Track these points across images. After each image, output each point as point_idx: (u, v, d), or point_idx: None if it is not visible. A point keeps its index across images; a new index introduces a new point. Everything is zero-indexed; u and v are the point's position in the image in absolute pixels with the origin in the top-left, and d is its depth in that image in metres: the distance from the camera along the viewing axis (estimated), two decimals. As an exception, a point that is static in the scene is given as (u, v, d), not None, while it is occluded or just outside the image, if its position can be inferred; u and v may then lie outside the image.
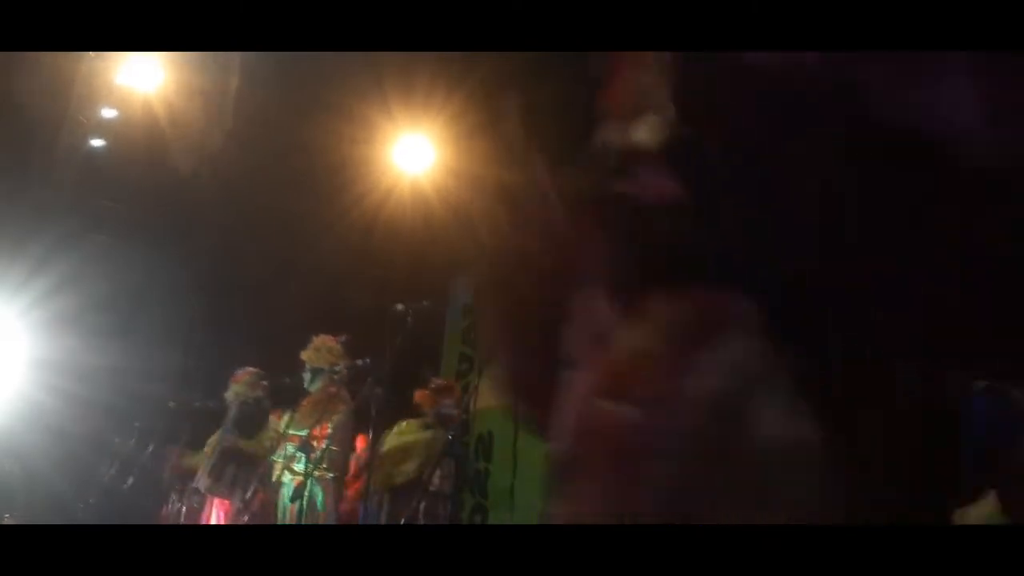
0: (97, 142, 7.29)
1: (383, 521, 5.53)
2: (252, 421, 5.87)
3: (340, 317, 6.42)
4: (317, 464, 4.97)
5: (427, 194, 7.77)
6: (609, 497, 1.03)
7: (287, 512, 5.03)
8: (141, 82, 6.76)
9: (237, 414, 5.90)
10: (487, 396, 8.20)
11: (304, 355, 5.47)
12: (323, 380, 5.35)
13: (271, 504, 5.48)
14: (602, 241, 1.09)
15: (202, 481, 5.73)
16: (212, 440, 6.10)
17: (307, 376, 5.46)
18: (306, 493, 4.93)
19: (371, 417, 4.86)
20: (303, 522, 4.92)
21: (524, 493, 6.76)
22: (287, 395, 5.72)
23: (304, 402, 5.33)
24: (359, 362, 5.08)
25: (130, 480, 6.47)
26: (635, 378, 0.99)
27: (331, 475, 5.16)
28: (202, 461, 5.96)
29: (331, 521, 5.04)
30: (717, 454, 0.94)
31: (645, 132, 0.99)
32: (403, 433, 5.84)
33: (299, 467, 5.02)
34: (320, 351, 5.40)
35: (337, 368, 5.25)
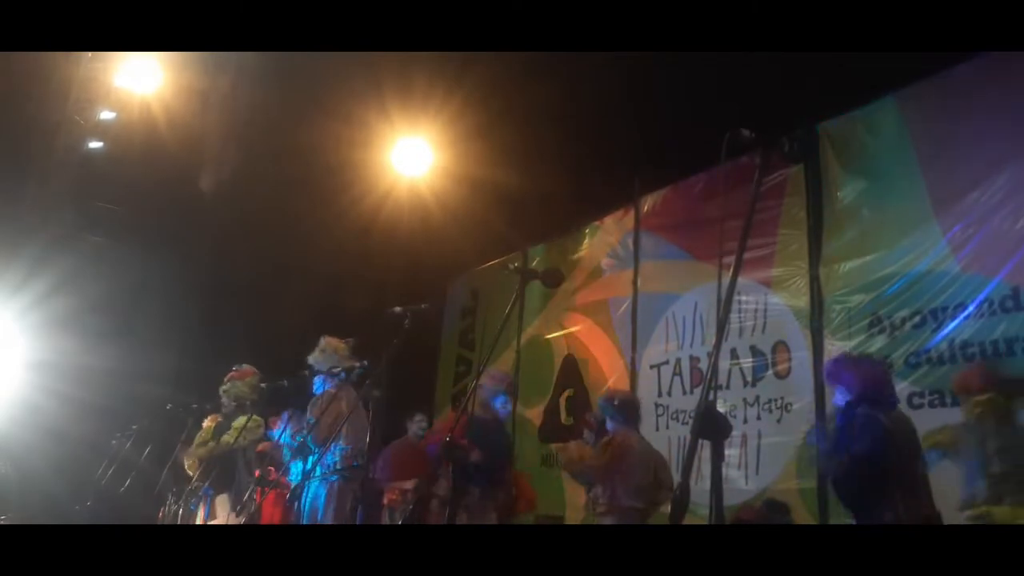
0: (95, 144, 7.28)
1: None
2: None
3: (338, 319, 6.41)
4: (329, 466, 4.98)
5: (425, 197, 7.79)
6: None
7: (298, 512, 5.03)
8: (139, 84, 6.76)
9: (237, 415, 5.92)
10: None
11: (311, 358, 5.47)
12: (327, 382, 5.35)
13: (274, 505, 5.48)
14: None
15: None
16: (208, 425, 6.06)
17: (315, 380, 5.45)
18: (313, 492, 4.96)
19: (368, 419, 4.85)
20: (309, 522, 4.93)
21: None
22: (283, 397, 5.71)
23: (314, 405, 5.32)
24: (357, 364, 5.07)
25: (127, 482, 6.46)
26: None
27: (343, 476, 5.16)
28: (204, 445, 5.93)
29: (341, 521, 5.03)
30: None
31: None
32: None
33: (299, 471, 5.02)
34: (325, 352, 5.41)
35: (336, 369, 5.23)
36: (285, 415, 5.70)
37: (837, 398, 3.83)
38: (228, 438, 5.78)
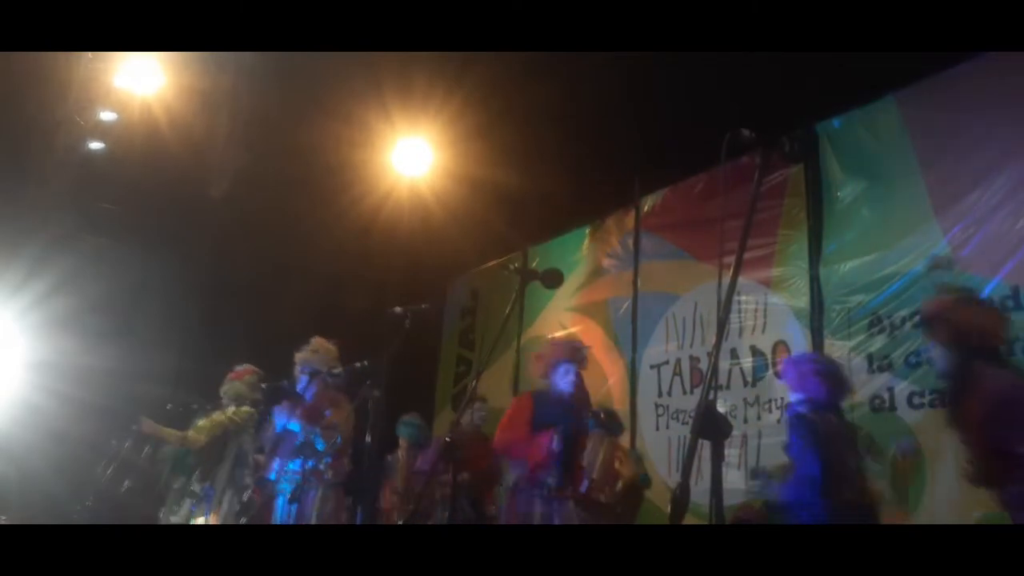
0: (95, 144, 7.28)
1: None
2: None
3: (338, 319, 6.41)
4: (320, 466, 4.97)
5: (425, 197, 7.79)
6: None
7: (288, 514, 5.02)
8: (140, 85, 6.75)
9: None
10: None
11: (299, 356, 5.44)
12: (320, 383, 5.34)
13: (269, 506, 5.47)
14: None
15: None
16: (215, 417, 6.08)
17: (304, 379, 5.45)
18: (316, 495, 4.96)
19: (369, 419, 4.85)
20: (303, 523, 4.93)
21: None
22: (282, 397, 5.70)
23: (305, 405, 5.31)
24: (357, 364, 5.07)
25: (127, 482, 6.45)
26: None
27: (334, 477, 5.16)
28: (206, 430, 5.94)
29: (332, 522, 5.03)
30: None
31: None
32: None
33: (298, 468, 5.01)
34: (318, 352, 5.40)
35: (336, 371, 5.22)
36: (284, 404, 5.64)
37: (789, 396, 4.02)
38: (221, 416, 5.76)
